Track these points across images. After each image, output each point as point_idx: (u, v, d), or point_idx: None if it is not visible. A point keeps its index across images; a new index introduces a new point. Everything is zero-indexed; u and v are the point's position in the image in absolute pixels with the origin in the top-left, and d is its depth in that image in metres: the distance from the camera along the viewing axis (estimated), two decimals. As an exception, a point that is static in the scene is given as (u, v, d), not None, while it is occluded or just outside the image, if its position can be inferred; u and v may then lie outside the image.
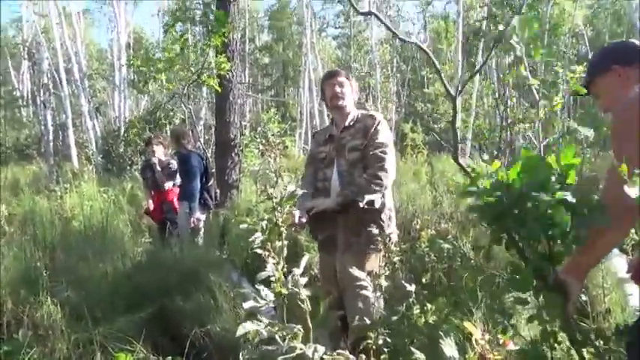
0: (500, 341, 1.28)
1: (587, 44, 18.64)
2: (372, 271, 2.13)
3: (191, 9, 6.79)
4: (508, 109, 7.23)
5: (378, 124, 2.59)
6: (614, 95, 1.50)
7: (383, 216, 2.58)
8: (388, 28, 1.55)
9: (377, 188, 2.51)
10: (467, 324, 1.05)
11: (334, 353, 1.42)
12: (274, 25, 27.90)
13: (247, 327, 1.26)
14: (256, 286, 1.37)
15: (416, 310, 1.69)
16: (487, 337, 1.22)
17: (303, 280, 1.33)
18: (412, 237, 4.20)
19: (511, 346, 1.26)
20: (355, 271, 2.25)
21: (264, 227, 1.35)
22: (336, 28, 25.75)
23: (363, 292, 2.40)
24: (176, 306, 3.07)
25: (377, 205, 2.55)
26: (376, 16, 1.50)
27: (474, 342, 1.25)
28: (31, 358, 2.36)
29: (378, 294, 2.13)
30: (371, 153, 2.56)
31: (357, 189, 2.52)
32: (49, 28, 15.85)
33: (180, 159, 4.90)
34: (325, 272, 2.73)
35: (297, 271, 1.33)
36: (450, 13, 16.33)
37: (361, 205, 2.48)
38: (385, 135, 2.60)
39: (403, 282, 1.76)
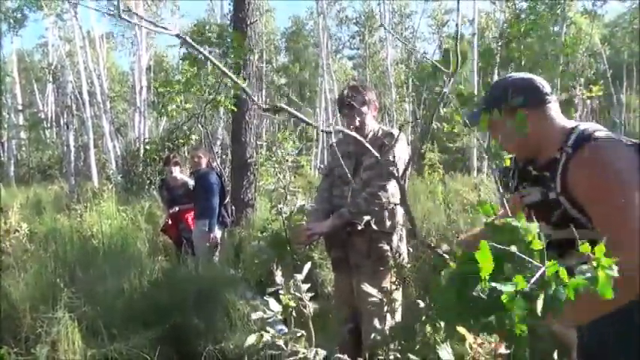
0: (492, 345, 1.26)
1: (606, 62, 18.50)
2: (383, 288, 2.12)
3: (208, 32, 6.94)
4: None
5: (394, 142, 2.37)
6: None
7: (394, 237, 2.50)
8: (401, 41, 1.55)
9: (376, 208, 2.41)
10: (459, 328, 1.04)
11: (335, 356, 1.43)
12: (291, 47, 28.42)
13: (256, 336, 1.28)
14: (265, 297, 1.39)
15: (428, 328, 1.67)
16: (479, 340, 1.21)
17: (305, 286, 1.34)
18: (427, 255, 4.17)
19: (502, 350, 1.25)
20: (368, 288, 2.23)
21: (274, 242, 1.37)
22: (351, 49, 26.12)
23: (379, 309, 2.38)
24: (191, 323, 3.09)
25: (387, 226, 2.49)
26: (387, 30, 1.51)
27: (467, 346, 1.24)
28: (48, 374, 2.40)
29: (392, 309, 2.12)
30: (377, 170, 2.46)
31: (355, 209, 2.42)
32: (73, 52, 16.39)
33: (199, 176, 4.98)
34: (339, 289, 2.71)
35: (299, 276, 1.35)
36: (464, 33, 16.41)
37: (359, 227, 2.40)
38: (398, 153, 2.43)
39: (414, 299, 1.75)
